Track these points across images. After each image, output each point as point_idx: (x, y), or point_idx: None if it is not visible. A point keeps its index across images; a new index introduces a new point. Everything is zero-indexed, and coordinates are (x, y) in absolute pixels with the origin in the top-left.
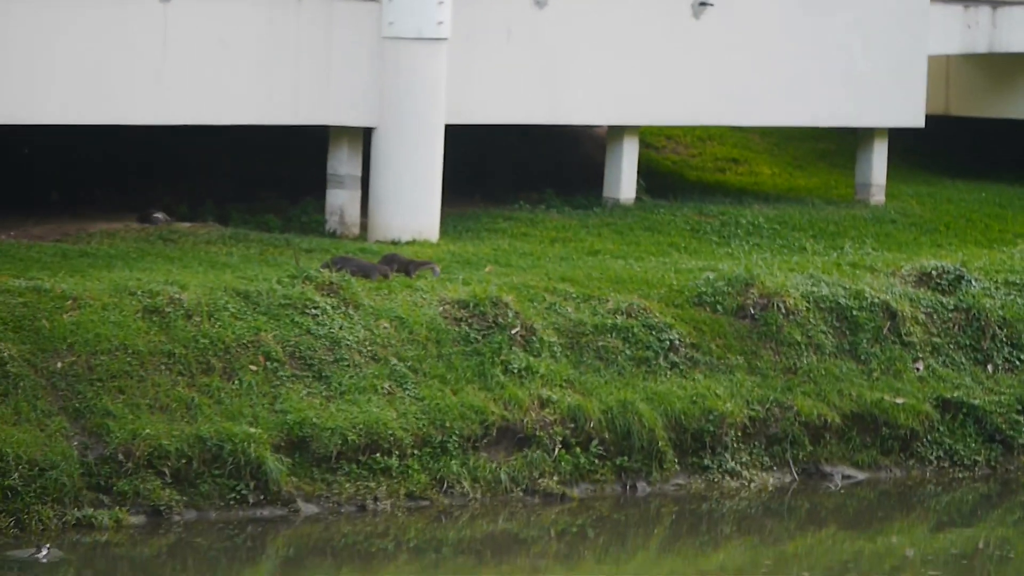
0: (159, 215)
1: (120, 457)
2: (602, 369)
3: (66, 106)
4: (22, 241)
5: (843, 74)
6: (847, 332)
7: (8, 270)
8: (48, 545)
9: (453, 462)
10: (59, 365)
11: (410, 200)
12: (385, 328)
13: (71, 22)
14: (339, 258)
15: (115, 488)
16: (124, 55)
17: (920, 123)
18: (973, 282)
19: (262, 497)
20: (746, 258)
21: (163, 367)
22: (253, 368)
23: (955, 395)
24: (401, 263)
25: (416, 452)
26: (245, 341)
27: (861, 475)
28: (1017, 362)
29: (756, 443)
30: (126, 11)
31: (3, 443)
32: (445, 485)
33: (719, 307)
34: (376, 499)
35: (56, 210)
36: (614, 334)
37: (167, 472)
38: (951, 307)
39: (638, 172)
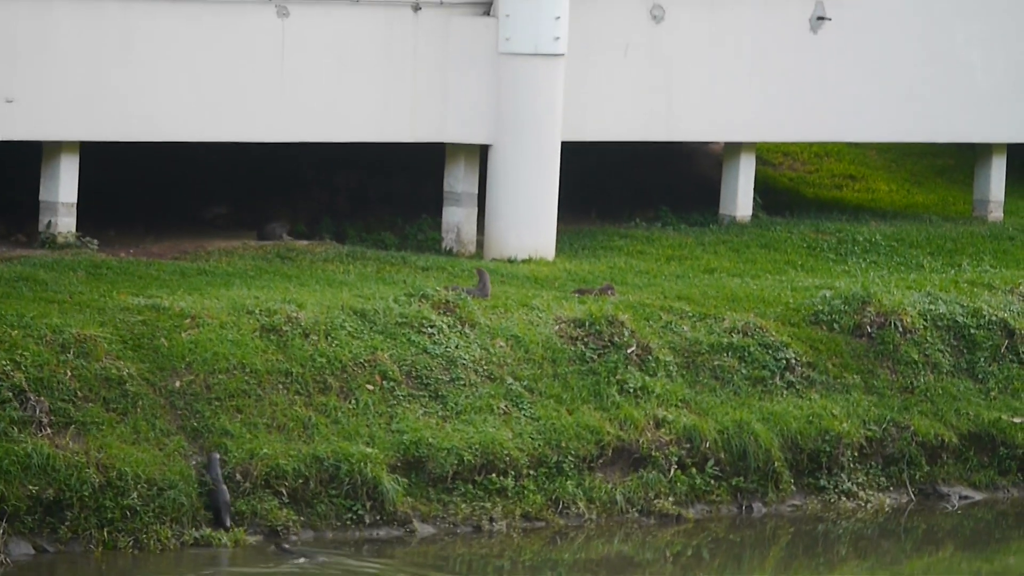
0: (277, 226)
1: (238, 477)
2: (718, 389)
3: (183, 123)
4: (141, 259)
5: (962, 89)
6: (964, 351)
7: (127, 288)
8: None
9: (569, 483)
10: (177, 384)
11: (527, 218)
12: (501, 347)
13: (188, 39)
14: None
15: (233, 508)
16: (241, 72)
17: None
18: None
19: (378, 517)
20: (863, 276)
21: (280, 386)
22: (370, 387)
23: None
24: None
25: (532, 472)
26: (362, 360)
27: (978, 495)
28: None
29: (873, 463)
30: (243, 27)
31: (122, 462)
32: (560, 506)
33: (836, 325)
34: (492, 520)
35: (174, 228)
36: (730, 353)
37: (284, 492)
38: None
39: (754, 189)
